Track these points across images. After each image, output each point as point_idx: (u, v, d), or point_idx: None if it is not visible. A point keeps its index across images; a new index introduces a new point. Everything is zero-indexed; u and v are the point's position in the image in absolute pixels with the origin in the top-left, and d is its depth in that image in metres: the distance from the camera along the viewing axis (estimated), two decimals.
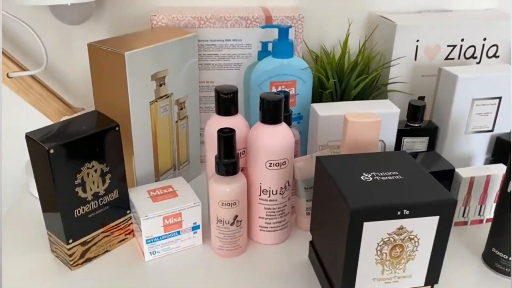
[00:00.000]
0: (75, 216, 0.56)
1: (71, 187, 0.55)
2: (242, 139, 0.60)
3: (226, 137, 0.55)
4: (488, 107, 0.70)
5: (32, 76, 0.76)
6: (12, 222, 0.67)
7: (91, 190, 0.57)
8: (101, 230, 0.60)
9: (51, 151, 0.51)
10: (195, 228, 0.62)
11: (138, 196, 0.61)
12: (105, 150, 0.57)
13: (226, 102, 0.59)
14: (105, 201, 0.59)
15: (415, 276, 0.49)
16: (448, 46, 0.79)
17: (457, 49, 0.79)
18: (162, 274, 0.58)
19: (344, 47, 0.79)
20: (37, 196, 0.59)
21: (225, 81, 0.79)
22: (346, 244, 0.46)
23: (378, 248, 0.47)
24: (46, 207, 0.58)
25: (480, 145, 0.73)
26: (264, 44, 0.77)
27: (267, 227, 0.62)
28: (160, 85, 0.66)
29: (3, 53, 0.73)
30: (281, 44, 0.71)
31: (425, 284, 0.50)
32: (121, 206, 0.62)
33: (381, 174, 0.50)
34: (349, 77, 0.77)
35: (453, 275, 0.58)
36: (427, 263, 0.49)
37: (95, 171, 0.56)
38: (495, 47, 0.81)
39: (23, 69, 0.76)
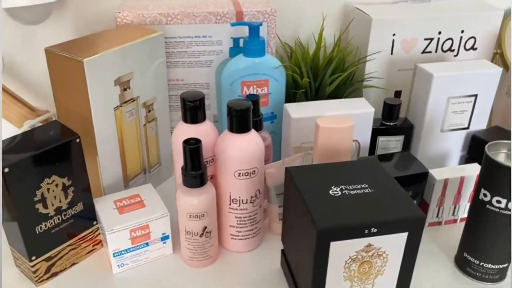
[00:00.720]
0: (37, 232, 0.54)
1: (30, 204, 0.52)
2: (210, 147, 0.58)
3: (192, 148, 0.53)
4: (463, 105, 0.69)
5: None
6: None
7: (52, 205, 0.54)
8: (67, 243, 0.58)
9: (6, 170, 0.49)
10: (164, 238, 0.60)
11: (104, 208, 0.59)
12: (66, 163, 0.55)
13: (193, 109, 0.56)
14: (69, 214, 0.57)
15: None
16: (425, 39, 0.77)
17: (434, 42, 0.77)
18: (130, 286, 0.57)
19: (318, 42, 0.76)
20: None
21: (197, 78, 0.77)
22: (313, 261, 0.45)
23: (346, 265, 0.46)
24: (7, 223, 0.56)
25: (455, 143, 0.72)
26: (236, 40, 0.74)
27: (238, 235, 0.61)
28: (125, 89, 0.63)
29: None
30: (252, 43, 0.68)
31: None
32: (87, 217, 0.60)
33: (350, 187, 0.48)
34: (324, 73, 0.75)
35: (425, 278, 0.58)
36: (396, 277, 0.48)
37: (56, 185, 0.54)
38: (473, 39, 0.79)
39: None
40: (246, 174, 0.56)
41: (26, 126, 0.74)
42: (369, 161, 0.54)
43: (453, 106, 0.68)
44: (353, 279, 0.47)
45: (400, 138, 0.71)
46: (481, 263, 0.56)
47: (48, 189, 0.53)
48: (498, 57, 0.84)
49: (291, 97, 0.75)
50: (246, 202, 0.58)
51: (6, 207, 0.52)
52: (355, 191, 0.48)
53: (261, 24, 0.68)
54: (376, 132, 0.70)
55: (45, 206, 0.54)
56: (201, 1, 0.75)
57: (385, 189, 0.49)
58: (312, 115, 0.66)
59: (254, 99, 0.61)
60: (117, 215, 0.58)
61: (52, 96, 0.62)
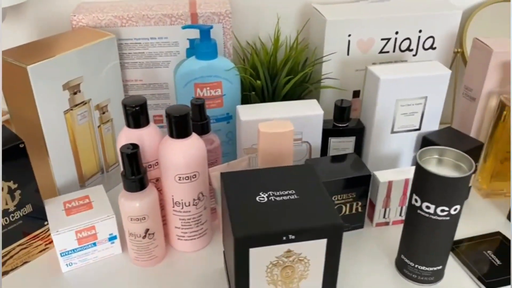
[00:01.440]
0: None
1: None
2: (155, 150, 0.60)
3: (128, 154, 0.54)
4: (413, 107, 0.69)
5: None
6: None
7: None
8: (17, 243, 0.60)
9: None
10: (111, 238, 0.62)
11: (52, 209, 0.61)
12: (10, 167, 0.56)
13: (134, 114, 0.58)
14: (17, 216, 0.59)
15: None
16: (382, 39, 0.77)
17: (391, 42, 0.77)
18: (79, 285, 0.59)
19: (275, 42, 0.77)
20: None
21: (155, 79, 0.78)
22: (234, 266, 0.46)
23: (268, 270, 0.47)
24: None
25: (407, 144, 0.73)
26: (192, 41, 0.75)
27: (184, 236, 0.62)
28: (75, 93, 0.65)
29: None
30: (203, 46, 0.69)
31: None
32: (38, 217, 0.62)
33: (278, 193, 0.50)
34: (281, 74, 0.75)
35: (366, 277, 0.60)
36: (321, 280, 0.50)
37: (2, 189, 0.56)
38: (431, 39, 0.79)
39: None
40: (187, 178, 0.57)
41: None
42: (303, 167, 0.55)
43: (403, 108, 0.69)
44: (276, 282, 0.48)
45: (352, 139, 0.72)
46: (416, 265, 0.58)
47: None
48: (459, 56, 0.84)
49: (249, 97, 0.76)
50: (189, 205, 0.60)
51: None
52: (281, 198, 0.49)
53: (211, 27, 0.69)
54: (328, 134, 0.71)
55: None
56: (158, 3, 0.76)
57: (311, 195, 0.50)
58: (261, 117, 0.67)
59: (200, 103, 0.62)
60: (64, 217, 0.60)
61: None
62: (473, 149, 0.68)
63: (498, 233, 0.67)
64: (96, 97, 0.68)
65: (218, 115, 0.74)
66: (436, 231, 0.54)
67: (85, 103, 0.67)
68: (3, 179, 0.56)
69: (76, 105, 0.65)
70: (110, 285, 0.59)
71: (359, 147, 0.73)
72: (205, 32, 0.68)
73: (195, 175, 0.58)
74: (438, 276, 0.59)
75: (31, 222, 0.61)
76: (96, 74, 0.67)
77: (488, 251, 0.63)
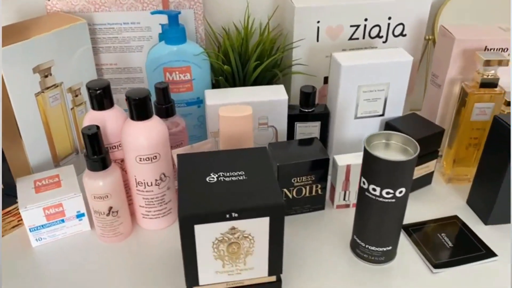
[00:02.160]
0: None
1: None
2: (118, 132, 0.62)
3: (90, 135, 0.57)
4: (376, 93, 0.71)
5: None
6: None
7: None
8: None
9: None
10: (79, 216, 0.65)
11: (23, 187, 0.64)
12: None
13: (98, 97, 0.60)
14: None
15: (257, 268, 0.53)
16: (352, 26, 0.78)
17: (361, 29, 0.78)
18: (47, 259, 0.63)
19: (245, 29, 0.78)
20: None
21: (129, 63, 0.80)
22: (181, 242, 0.49)
23: (214, 246, 0.50)
24: None
25: (371, 129, 0.74)
26: (164, 27, 0.77)
27: (148, 215, 0.65)
28: (46, 76, 0.67)
29: None
30: (171, 31, 0.71)
31: (269, 275, 0.54)
32: (9, 195, 0.65)
33: (228, 174, 0.52)
34: (250, 60, 0.77)
35: (322, 257, 0.62)
36: (266, 257, 0.52)
37: None
38: (401, 26, 0.80)
39: None
40: (147, 159, 0.60)
41: None
42: (257, 150, 0.57)
43: (365, 94, 0.70)
44: (223, 258, 0.51)
45: (317, 124, 0.74)
46: (367, 246, 0.60)
47: None
48: (430, 43, 0.84)
49: (218, 83, 0.78)
50: (151, 185, 0.62)
51: None
52: (230, 178, 0.52)
53: (179, 13, 0.70)
54: (294, 119, 0.73)
55: None
56: None
57: (259, 177, 0.52)
58: (226, 101, 0.69)
59: (163, 87, 0.65)
60: (33, 194, 0.63)
61: None
62: (434, 135, 0.70)
63: (455, 217, 0.69)
64: (68, 80, 0.71)
65: (189, 99, 0.76)
66: (383, 212, 0.56)
67: (57, 86, 0.69)
68: None
69: (48, 88, 0.68)
70: (77, 259, 0.62)
71: (324, 132, 0.75)
72: (173, 17, 0.70)
73: (155, 156, 0.60)
74: (388, 256, 0.61)
75: (3, 198, 0.64)
76: (67, 58, 0.69)
77: (442, 234, 0.65)
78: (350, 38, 0.79)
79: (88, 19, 0.75)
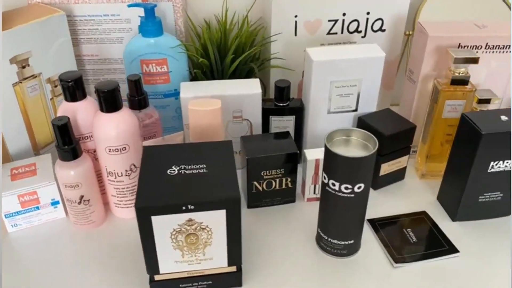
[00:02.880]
0: None
1: None
2: (90, 123, 0.63)
3: (60, 126, 0.58)
4: (348, 89, 0.71)
5: None
6: None
7: None
8: None
9: None
10: (54, 203, 0.67)
11: None
12: None
13: (70, 89, 0.61)
14: None
15: (216, 258, 0.54)
16: (330, 20, 0.78)
17: (339, 23, 0.79)
18: (22, 244, 0.65)
19: (223, 22, 0.79)
20: None
21: (110, 54, 0.81)
22: (140, 232, 0.51)
23: (173, 237, 0.51)
24: None
25: (344, 124, 0.75)
26: (141, 19, 0.78)
27: (120, 204, 0.67)
28: (23, 67, 0.69)
29: None
30: (147, 24, 0.72)
31: (229, 265, 0.55)
32: None
33: (189, 167, 0.53)
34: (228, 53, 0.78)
35: (289, 248, 0.64)
36: (225, 248, 0.54)
37: None
38: (380, 21, 0.80)
39: None
40: (116, 150, 0.61)
41: None
42: (222, 143, 0.58)
43: (337, 89, 0.71)
44: (182, 248, 0.53)
45: (292, 118, 0.75)
46: (329, 239, 0.61)
47: None
48: (411, 38, 0.84)
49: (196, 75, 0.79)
50: (122, 175, 0.64)
51: None
52: (191, 171, 0.53)
53: (155, 6, 0.71)
54: (269, 112, 0.74)
55: None
56: None
57: (219, 170, 0.53)
58: (200, 94, 0.70)
59: (135, 79, 0.66)
60: (9, 182, 0.65)
61: None
62: (405, 131, 0.71)
63: (424, 212, 0.70)
64: (47, 71, 0.72)
65: (166, 91, 0.77)
66: (342, 207, 0.57)
67: (35, 77, 0.71)
68: None
69: (25, 79, 0.70)
70: (51, 245, 0.65)
71: (299, 126, 0.76)
72: (149, 10, 0.71)
73: (125, 147, 0.62)
74: (351, 249, 0.62)
75: None
76: (46, 49, 0.71)
77: (408, 229, 0.66)
78: (329, 33, 0.79)
79: (69, 10, 0.76)
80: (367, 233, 0.66)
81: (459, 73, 0.67)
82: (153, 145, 0.58)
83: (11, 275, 0.60)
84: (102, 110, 0.60)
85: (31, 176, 0.66)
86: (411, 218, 0.69)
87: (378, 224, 0.67)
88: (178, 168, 0.53)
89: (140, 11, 0.77)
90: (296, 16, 0.77)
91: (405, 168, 0.75)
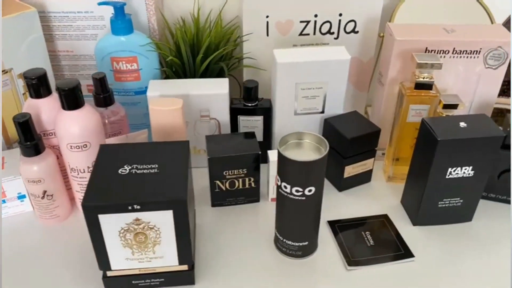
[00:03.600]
0: None
1: None
2: (54, 120, 0.65)
3: (21, 122, 0.60)
4: (314, 91, 0.71)
5: None
6: None
7: None
8: None
9: None
10: (21, 197, 0.68)
11: None
12: None
13: (34, 86, 0.63)
14: None
15: (167, 257, 0.55)
16: (301, 21, 0.78)
17: (311, 24, 0.79)
18: None
19: (196, 20, 0.79)
20: None
21: (85, 50, 0.82)
22: (88, 230, 0.52)
23: (121, 235, 0.52)
24: None
25: (312, 126, 0.75)
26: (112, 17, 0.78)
27: None
28: None
29: None
30: (117, 22, 0.73)
31: (180, 264, 0.56)
32: None
33: (141, 166, 0.54)
34: (202, 52, 0.78)
35: (248, 249, 0.64)
36: (175, 247, 0.55)
37: None
38: (353, 23, 0.79)
39: None
40: (78, 147, 0.63)
41: None
42: (179, 144, 0.59)
43: (303, 91, 0.71)
44: (132, 246, 0.54)
45: (260, 118, 0.75)
46: (284, 240, 0.62)
47: None
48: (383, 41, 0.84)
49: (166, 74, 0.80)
50: (84, 172, 0.65)
51: None
52: (142, 171, 0.54)
53: (124, 4, 0.72)
54: (237, 112, 0.75)
55: None
56: None
57: (170, 171, 0.54)
58: (167, 93, 0.70)
59: (100, 77, 0.67)
60: None
61: None
62: (368, 135, 0.71)
63: (385, 216, 0.70)
64: (19, 66, 0.73)
65: (137, 88, 0.78)
66: (295, 209, 0.58)
67: (6, 72, 0.72)
68: None
69: None
70: (16, 238, 0.66)
71: (268, 127, 0.76)
72: (119, 9, 0.72)
73: (85, 145, 0.63)
74: (306, 251, 0.63)
75: None
76: (17, 45, 0.72)
77: (367, 232, 0.67)
78: (301, 34, 0.79)
79: (43, 6, 0.77)
80: (326, 234, 0.67)
81: (423, 78, 0.67)
82: (109, 144, 0.59)
83: None
84: (63, 107, 0.61)
85: None
86: (371, 221, 0.69)
87: (338, 226, 0.68)
88: (130, 167, 0.54)
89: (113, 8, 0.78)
90: (267, 17, 0.77)
91: (371, 170, 0.75)
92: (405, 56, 0.70)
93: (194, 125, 0.74)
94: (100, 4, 0.72)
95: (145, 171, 0.54)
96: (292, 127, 0.75)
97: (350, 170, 0.72)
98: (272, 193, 0.72)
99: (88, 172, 0.65)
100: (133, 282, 0.57)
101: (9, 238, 0.66)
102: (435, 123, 0.61)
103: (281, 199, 0.59)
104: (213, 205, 0.71)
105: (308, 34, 0.80)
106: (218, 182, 0.69)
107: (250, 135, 0.71)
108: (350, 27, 0.80)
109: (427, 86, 0.67)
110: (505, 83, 0.97)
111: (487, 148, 0.61)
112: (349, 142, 0.69)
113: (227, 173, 0.68)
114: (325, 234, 0.67)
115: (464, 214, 0.68)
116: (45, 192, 0.65)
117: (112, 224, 0.51)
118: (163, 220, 0.52)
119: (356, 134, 0.69)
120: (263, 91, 0.78)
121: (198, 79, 0.75)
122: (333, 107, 0.74)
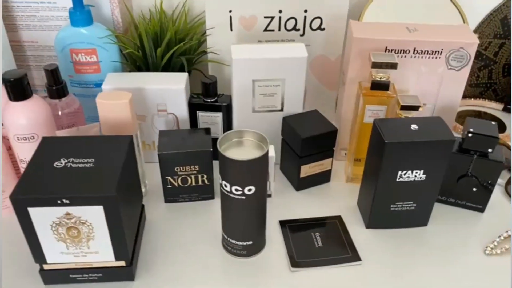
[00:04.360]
0: None
1: None
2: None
3: None
4: (271, 88, 0.70)
5: None
6: None
7: None
8: None
9: None
10: None
11: None
12: None
13: None
14: None
15: (102, 252, 0.55)
16: (266, 17, 0.77)
17: (276, 20, 0.77)
18: None
19: (160, 13, 0.78)
20: None
21: (50, 41, 0.82)
22: (19, 222, 0.51)
23: (53, 229, 0.52)
24: None
25: (272, 124, 0.74)
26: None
27: None
28: None
29: None
30: (75, 13, 0.72)
31: (117, 259, 0.56)
32: None
33: (77, 160, 0.54)
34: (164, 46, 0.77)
35: (196, 247, 0.64)
36: (109, 242, 0.54)
37: None
38: (319, 20, 0.78)
39: None
40: (25, 138, 0.62)
41: None
42: (122, 138, 0.58)
43: (260, 88, 0.70)
44: (65, 240, 0.53)
45: (219, 114, 0.74)
46: (228, 239, 0.61)
47: None
48: None
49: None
50: None
51: None
52: (77, 165, 0.53)
53: None
54: (195, 108, 0.74)
55: None
56: None
57: (106, 166, 0.53)
58: (122, 86, 0.70)
59: (52, 69, 0.66)
60: None
61: None
62: (325, 134, 0.69)
63: (338, 217, 0.69)
64: None
65: (97, 81, 0.78)
66: (236, 208, 0.57)
67: None
68: None
69: None
70: None
71: (229, 123, 0.75)
72: (76, 0, 0.71)
73: (33, 136, 0.62)
74: (251, 250, 0.62)
75: None
76: None
77: (317, 233, 0.66)
78: (266, 30, 0.78)
79: None
80: (276, 234, 0.66)
81: (380, 78, 0.65)
82: (51, 136, 0.58)
83: None
84: (10, 98, 0.61)
85: None
86: (323, 222, 0.68)
87: (289, 227, 0.67)
88: (66, 161, 0.54)
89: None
90: (230, 11, 0.76)
91: (329, 170, 0.74)
92: (364, 55, 0.68)
93: (152, 119, 0.74)
94: None
95: (80, 165, 0.53)
96: (253, 125, 0.74)
97: (307, 170, 0.71)
98: None
99: None
100: (70, 276, 0.57)
101: None
102: (385, 125, 0.60)
103: (223, 198, 0.58)
104: (166, 201, 0.71)
105: (273, 30, 0.78)
106: (169, 178, 0.68)
107: (206, 131, 0.70)
108: (316, 24, 0.78)
109: (384, 86, 0.66)
110: (484, 85, 0.95)
111: (438, 152, 0.59)
112: (303, 141, 0.67)
113: (179, 170, 0.67)
114: (275, 234, 0.66)
115: (418, 219, 0.66)
116: None
117: (43, 217, 0.51)
118: (94, 216, 0.51)
119: (310, 134, 0.68)
120: (228, 87, 0.77)
121: (158, 73, 0.74)
122: (293, 105, 0.72)
